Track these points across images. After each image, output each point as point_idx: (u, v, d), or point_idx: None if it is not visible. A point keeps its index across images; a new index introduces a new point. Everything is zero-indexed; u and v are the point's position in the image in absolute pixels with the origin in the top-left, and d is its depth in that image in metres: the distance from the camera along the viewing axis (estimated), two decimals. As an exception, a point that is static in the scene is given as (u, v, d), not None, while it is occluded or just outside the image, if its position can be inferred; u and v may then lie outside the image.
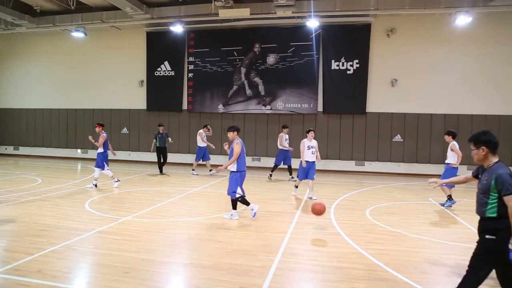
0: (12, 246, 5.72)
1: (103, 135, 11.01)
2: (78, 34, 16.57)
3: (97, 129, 11.12)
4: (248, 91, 16.97)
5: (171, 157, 17.89)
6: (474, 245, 6.09)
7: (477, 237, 6.65)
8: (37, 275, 4.57)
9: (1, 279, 4.49)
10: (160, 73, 17.99)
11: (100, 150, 11.05)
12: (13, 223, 7.00)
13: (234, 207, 7.71)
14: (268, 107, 16.73)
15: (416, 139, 15.51)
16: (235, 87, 17.13)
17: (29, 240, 5.97)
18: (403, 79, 15.51)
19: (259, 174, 15.14)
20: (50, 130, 19.86)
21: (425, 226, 7.43)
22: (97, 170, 11.00)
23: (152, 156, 18.43)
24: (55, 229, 6.63)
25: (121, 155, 18.63)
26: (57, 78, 19.81)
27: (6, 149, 20.75)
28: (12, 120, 20.61)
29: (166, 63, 17.91)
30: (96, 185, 10.95)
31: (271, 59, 16.63)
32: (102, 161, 11.02)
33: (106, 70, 18.90)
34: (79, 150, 19.39)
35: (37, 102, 20.16)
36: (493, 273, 4.90)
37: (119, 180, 11.35)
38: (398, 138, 15.67)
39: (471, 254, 5.59)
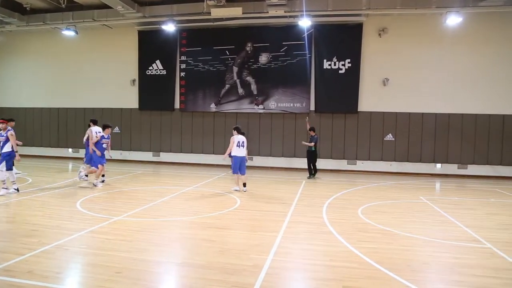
0: (2, 247, 5.65)
1: (11, 133, 9.65)
2: (69, 33, 16.38)
3: (1, 125, 9.79)
4: (241, 90, 16.96)
5: (164, 156, 17.88)
6: (465, 244, 6.19)
7: (468, 236, 6.77)
8: (28, 275, 4.52)
9: (-9, 280, 4.44)
10: (152, 72, 17.90)
11: (6, 149, 9.48)
12: (3, 223, 6.92)
13: None
14: (260, 106, 16.74)
15: (408, 138, 15.63)
16: (227, 86, 17.11)
17: (19, 240, 5.90)
18: (394, 79, 15.62)
19: (252, 173, 15.13)
20: (41, 129, 19.68)
21: (417, 224, 7.49)
22: (6, 172, 9.46)
23: (144, 155, 18.39)
24: (46, 229, 6.57)
25: (113, 154, 18.47)
26: (48, 77, 19.62)
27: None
28: (2, 118, 20.31)
29: (158, 62, 17.82)
30: (17, 189, 9.63)
31: (263, 58, 16.64)
32: (7, 162, 9.50)
33: (97, 69, 18.75)
34: (70, 150, 19.23)
35: (28, 101, 19.93)
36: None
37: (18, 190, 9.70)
38: (389, 137, 15.78)
39: (462, 252, 5.68)
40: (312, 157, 13.83)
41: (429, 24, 15.03)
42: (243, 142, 10.57)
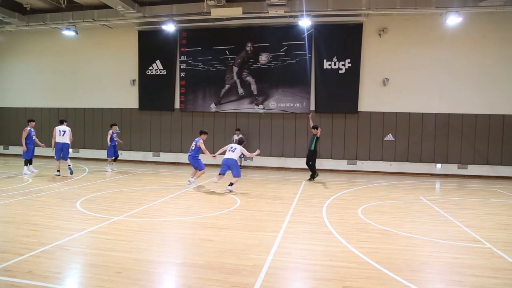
0: (1, 247, 5.65)
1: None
2: (69, 33, 16.40)
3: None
4: (240, 90, 16.97)
5: (164, 156, 17.89)
6: (465, 244, 6.19)
7: (468, 236, 6.77)
8: (28, 275, 4.52)
9: (-9, 280, 4.45)
10: (152, 72, 17.90)
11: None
12: (3, 223, 6.92)
13: None
14: (260, 106, 16.74)
15: (408, 138, 15.64)
16: (227, 86, 17.12)
17: (19, 240, 5.90)
18: (394, 79, 15.63)
19: (252, 173, 15.15)
20: (41, 129, 19.62)
21: (417, 224, 7.49)
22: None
23: (144, 155, 18.36)
24: (46, 229, 6.57)
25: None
26: (48, 77, 19.62)
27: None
28: (2, 119, 20.38)
29: (158, 62, 17.83)
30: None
31: (263, 58, 16.65)
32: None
33: (97, 69, 18.77)
34: (70, 150, 19.17)
35: (28, 101, 19.95)
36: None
37: None
38: (389, 137, 15.79)
39: (462, 252, 5.67)
40: (312, 156, 13.38)
41: (429, 24, 15.05)
42: (235, 148, 11.00)
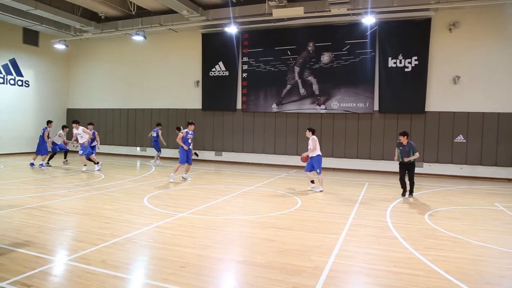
0: (79, 236, 6.14)
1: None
2: (138, 38, 17.41)
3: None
4: (302, 90, 16.86)
5: (226, 156, 18.28)
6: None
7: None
8: (101, 264, 4.86)
9: (70, 266, 4.85)
10: (215, 73, 18.38)
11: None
12: (81, 215, 7.50)
13: None
14: (322, 106, 16.51)
15: (481, 140, 14.53)
16: (288, 87, 17.09)
17: (94, 231, 6.36)
18: (466, 76, 14.60)
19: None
20: (112, 129, 21.03)
21: (492, 233, 6.94)
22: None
23: (206, 155, 18.86)
24: (117, 222, 7.02)
25: (176, 153, 19.31)
26: (118, 80, 20.96)
27: (74, 146, 22.30)
28: (79, 119, 22.01)
29: (220, 63, 18.26)
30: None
31: (325, 57, 16.39)
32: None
33: (163, 71, 19.67)
34: (138, 148, 20.35)
35: (101, 103, 21.47)
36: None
37: None
38: (460, 138, 14.78)
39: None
40: (413, 169, 10.32)
41: (507, 15, 13.84)
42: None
